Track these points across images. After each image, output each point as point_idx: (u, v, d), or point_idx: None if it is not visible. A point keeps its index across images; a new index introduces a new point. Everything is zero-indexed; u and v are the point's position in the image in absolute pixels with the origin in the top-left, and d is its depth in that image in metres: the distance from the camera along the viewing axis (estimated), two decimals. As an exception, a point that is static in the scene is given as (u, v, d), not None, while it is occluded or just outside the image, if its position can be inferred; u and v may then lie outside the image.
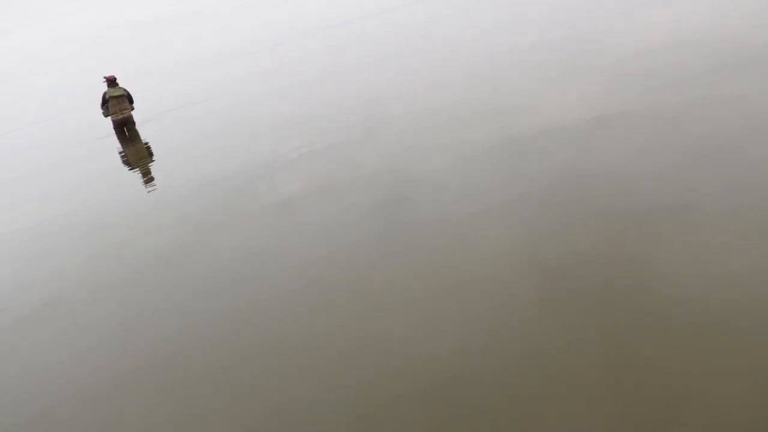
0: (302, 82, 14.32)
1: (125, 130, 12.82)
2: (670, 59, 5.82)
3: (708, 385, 1.74)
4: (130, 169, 9.00)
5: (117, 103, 12.59)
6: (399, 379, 2.13)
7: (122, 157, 10.67)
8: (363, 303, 2.75)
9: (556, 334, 2.13)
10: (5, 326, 3.86)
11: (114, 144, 12.57)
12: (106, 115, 12.83)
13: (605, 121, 4.43)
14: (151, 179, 7.76)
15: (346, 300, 2.83)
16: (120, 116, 12.66)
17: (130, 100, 12.86)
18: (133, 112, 13.01)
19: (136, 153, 10.57)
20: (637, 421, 1.67)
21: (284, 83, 16.04)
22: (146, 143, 11.52)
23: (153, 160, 9.36)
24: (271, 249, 3.78)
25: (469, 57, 10.59)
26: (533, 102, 5.77)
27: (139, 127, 13.20)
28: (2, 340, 3.68)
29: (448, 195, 3.82)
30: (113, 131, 12.94)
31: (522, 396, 1.89)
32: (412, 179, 4.36)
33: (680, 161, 3.34)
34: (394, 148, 5.49)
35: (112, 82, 12.60)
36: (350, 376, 2.23)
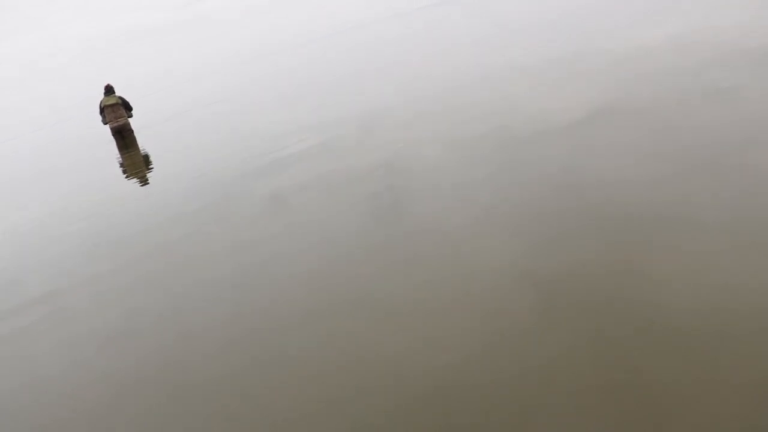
0: (303, 86, 14.42)
1: (123, 136, 12.89)
2: (668, 63, 5.81)
3: (706, 397, 1.74)
4: (126, 175, 9.01)
5: (112, 111, 12.78)
6: (397, 389, 2.13)
7: (119, 162, 10.69)
8: (362, 312, 2.76)
9: (553, 345, 2.13)
10: (4, 331, 3.86)
11: (112, 150, 12.63)
12: (104, 123, 13.03)
13: (603, 127, 4.43)
14: (148, 184, 7.78)
15: (345, 309, 2.83)
16: (116, 123, 12.80)
17: (127, 108, 13.01)
18: (131, 119, 13.09)
19: (134, 158, 10.61)
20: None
21: (286, 89, 16.14)
22: (144, 149, 11.57)
23: (150, 165, 9.43)
24: (270, 256, 3.77)
25: (471, 62, 10.60)
26: (530, 106, 5.77)
27: (137, 132, 13.25)
28: (2, 344, 3.68)
29: (445, 203, 3.80)
30: (112, 138, 13.01)
31: (519, 407, 1.89)
32: (410, 185, 4.34)
33: (678, 168, 3.31)
34: (392, 153, 5.47)
35: (108, 90, 12.77)
36: (348, 385, 2.25)
